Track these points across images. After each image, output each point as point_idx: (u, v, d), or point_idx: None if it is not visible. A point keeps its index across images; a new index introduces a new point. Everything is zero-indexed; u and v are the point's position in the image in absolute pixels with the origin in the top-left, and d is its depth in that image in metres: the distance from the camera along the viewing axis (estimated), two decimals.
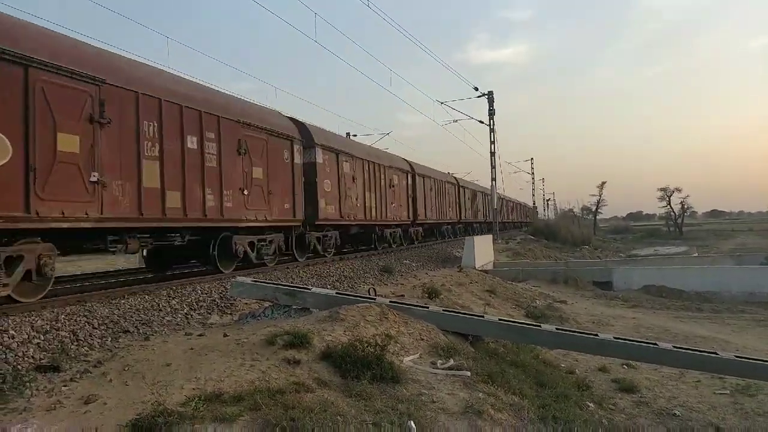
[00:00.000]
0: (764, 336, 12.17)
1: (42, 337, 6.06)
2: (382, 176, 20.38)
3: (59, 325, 6.58)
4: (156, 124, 9.17)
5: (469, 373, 5.69)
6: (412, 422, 4.23)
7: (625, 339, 7.37)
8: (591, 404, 6.81)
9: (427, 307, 7.66)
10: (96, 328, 6.69)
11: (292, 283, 9.94)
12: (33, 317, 6.72)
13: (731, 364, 6.81)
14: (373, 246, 19.85)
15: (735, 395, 7.57)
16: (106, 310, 7.47)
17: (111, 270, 14.21)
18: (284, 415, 3.88)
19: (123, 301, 8.12)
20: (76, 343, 6.06)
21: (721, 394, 7.68)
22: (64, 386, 4.60)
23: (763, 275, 17.60)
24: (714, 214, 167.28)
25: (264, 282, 8.17)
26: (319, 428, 3.80)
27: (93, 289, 9.32)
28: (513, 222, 59.61)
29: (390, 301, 7.60)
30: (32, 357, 5.48)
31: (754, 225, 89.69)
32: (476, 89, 32.74)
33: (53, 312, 7.10)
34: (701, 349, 7.39)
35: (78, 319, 6.92)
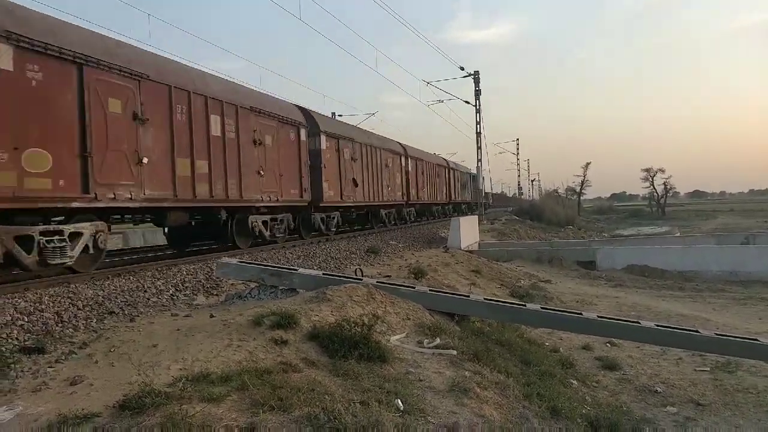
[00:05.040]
0: (744, 314, 12.41)
1: (26, 319, 6.01)
2: (244, 127, 12.78)
3: (43, 306, 6.53)
4: None
5: (455, 352, 5.74)
6: (399, 400, 4.27)
7: (608, 318, 7.48)
8: (575, 382, 6.92)
9: (414, 287, 7.68)
10: (80, 309, 6.65)
11: (278, 263, 9.91)
12: (16, 299, 6.65)
13: (712, 341, 6.93)
14: (230, 242, 13.07)
15: (715, 372, 7.73)
16: (91, 291, 7.43)
17: None
18: (272, 395, 3.88)
19: (108, 282, 8.07)
20: (60, 325, 6.01)
21: (701, 371, 7.83)
22: (50, 368, 4.57)
23: (743, 255, 17.88)
24: (696, 194, 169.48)
25: (250, 263, 8.15)
26: (306, 407, 3.81)
27: None
28: (454, 203, 38.10)
29: (377, 282, 7.61)
30: (16, 339, 5.43)
31: (735, 205, 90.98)
32: (462, 69, 32.68)
33: (36, 293, 7.04)
34: (683, 327, 7.53)
35: (62, 300, 6.87)
